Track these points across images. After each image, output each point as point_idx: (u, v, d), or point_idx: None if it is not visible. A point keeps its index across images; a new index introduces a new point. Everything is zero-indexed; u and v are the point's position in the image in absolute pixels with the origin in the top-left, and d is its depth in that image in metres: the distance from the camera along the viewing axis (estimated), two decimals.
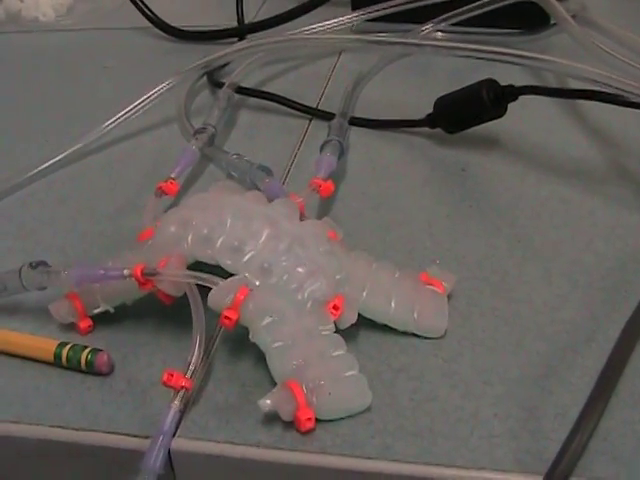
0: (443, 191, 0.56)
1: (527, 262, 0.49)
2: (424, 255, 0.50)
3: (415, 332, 0.44)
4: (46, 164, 0.59)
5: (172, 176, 0.54)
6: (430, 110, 0.61)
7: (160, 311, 0.46)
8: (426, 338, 0.44)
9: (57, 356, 0.44)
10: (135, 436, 0.40)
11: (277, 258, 0.43)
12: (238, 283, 0.42)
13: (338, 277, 0.44)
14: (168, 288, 0.43)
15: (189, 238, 0.44)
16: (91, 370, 0.43)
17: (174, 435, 0.39)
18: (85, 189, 0.59)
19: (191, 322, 0.43)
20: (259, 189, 0.54)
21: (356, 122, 0.63)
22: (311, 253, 0.44)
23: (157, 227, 0.47)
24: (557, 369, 0.42)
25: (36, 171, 0.59)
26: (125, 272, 0.43)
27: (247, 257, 0.43)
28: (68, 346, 0.44)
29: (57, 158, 0.60)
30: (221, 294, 0.42)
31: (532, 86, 0.55)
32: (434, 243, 0.51)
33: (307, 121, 0.65)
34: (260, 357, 0.42)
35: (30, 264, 0.45)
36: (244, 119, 0.67)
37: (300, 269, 0.43)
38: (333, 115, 0.62)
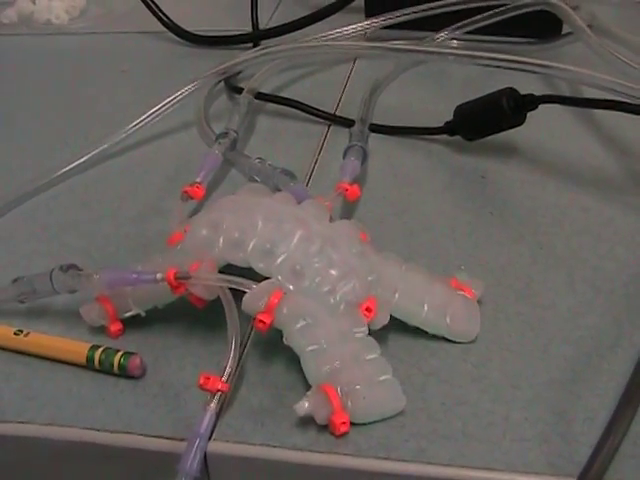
0: (464, 198, 0.56)
1: (550, 269, 0.49)
2: (448, 261, 0.51)
3: (446, 336, 0.45)
4: (68, 167, 0.60)
5: (197, 180, 0.54)
6: (446, 117, 0.61)
7: (190, 314, 0.46)
8: (455, 342, 0.45)
9: (89, 359, 0.44)
10: (170, 438, 0.40)
11: (309, 260, 0.43)
12: (272, 287, 0.42)
13: (370, 278, 0.44)
14: (201, 292, 0.44)
15: (220, 241, 0.44)
16: (123, 373, 0.44)
17: (209, 438, 0.40)
18: (107, 192, 0.60)
19: (220, 325, 0.43)
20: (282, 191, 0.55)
21: (375, 129, 0.63)
22: (343, 254, 0.44)
23: (187, 230, 0.47)
24: (584, 374, 0.42)
25: (59, 174, 0.59)
26: (158, 276, 0.43)
27: (279, 260, 0.43)
28: (100, 349, 0.44)
29: (79, 161, 0.60)
30: (255, 298, 0.42)
31: (552, 95, 0.56)
32: (458, 249, 0.52)
33: (326, 127, 0.66)
34: (291, 360, 0.43)
35: (61, 267, 0.46)
36: (263, 124, 0.67)
37: (332, 271, 0.43)
38: (352, 121, 0.62)
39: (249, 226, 0.45)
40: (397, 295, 0.45)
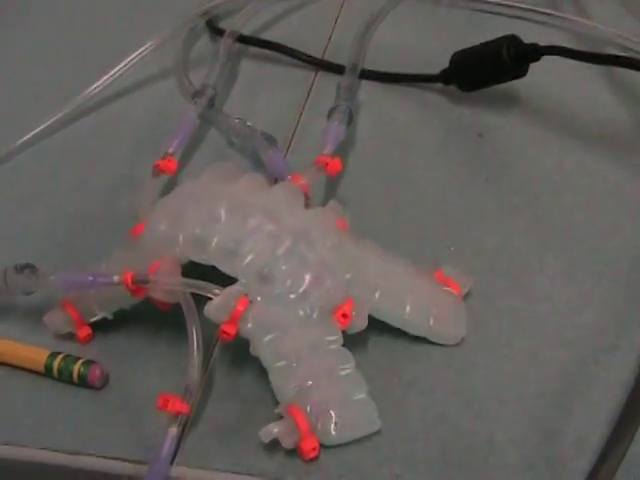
0: (458, 161, 0.52)
1: (548, 251, 0.45)
2: (437, 242, 0.47)
3: (429, 338, 0.42)
4: (32, 133, 0.55)
5: (169, 151, 0.50)
6: (444, 63, 0.56)
7: (158, 313, 0.43)
8: (439, 344, 0.41)
9: (48, 368, 0.41)
10: (130, 461, 0.38)
11: (278, 261, 0.39)
12: (237, 294, 0.39)
13: (348, 276, 0.40)
14: (161, 296, 0.40)
15: (180, 238, 0.41)
16: (84, 384, 0.41)
17: (172, 462, 0.37)
18: (75, 160, 0.56)
19: None
20: (261, 158, 0.51)
21: (366, 75, 0.58)
22: (318, 250, 0.40)
23: (146, 223, 0.43)
24: (577, 384, 0.39)
25: (21, 142, 0.55)
26: (115, 279, 0.40)
27: (245, 261, 0.39)
28: (60, 357, 0.41)
29: (44, 125, 0.56)
30: (219, 306, 0.38)
31: (557, 47, 0.50)
32: (448, 227, 0.48)
33: (313, 72, 0.61)
34: (262, 369, 0.40)
35: (15, 267, 0.42)
36: (246, 70, 0.62)
37: (304, 273, 0.39)
38: (341, 67, 0.57)
39: (211, 220, 0.40)
40: (377, 294, 0.41)
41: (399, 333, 0.42)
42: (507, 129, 0.54)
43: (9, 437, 0.40)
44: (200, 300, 0.39)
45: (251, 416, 0.39)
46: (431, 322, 0.41)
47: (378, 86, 0.59)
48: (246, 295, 0.39)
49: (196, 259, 0.41)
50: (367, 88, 0.58)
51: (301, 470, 0.37)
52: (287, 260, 0.39)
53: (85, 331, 0.43)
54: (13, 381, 0.42)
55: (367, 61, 0.59)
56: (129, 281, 0.39)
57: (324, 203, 0.48)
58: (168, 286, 0.40)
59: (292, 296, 0.39)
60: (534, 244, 0.46)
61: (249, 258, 0.39)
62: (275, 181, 0.51)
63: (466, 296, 0.43)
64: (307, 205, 0.44)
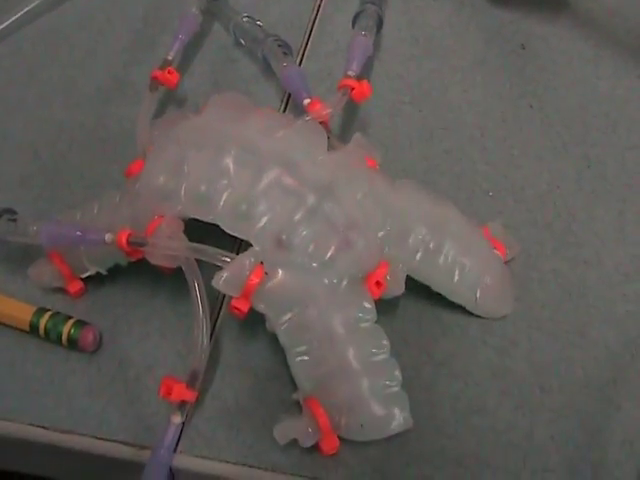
0: (499, 80, 0.45)
1: (598, 200, 0.40)
2: (474, 183, 0.41)
3: (471, 310, 0.37)
4: (9, 20, 0.47)
5: (169, 58, 0.43)
6: None
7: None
8: (477, 316, 0.37)
9: (33, 327, 0.36)
10: (130, 445, 0.34)
11: (299, 225, 0.33)
12: (250, 263, 0.33)
13: (381, 234, 0.35)
14: (160, 260, 0.34)
15: (182, 193, 0.34)
16: (74, 347, 0.36)
17: (175, 449, 0.34)
18: (60, 55, 0.48)
19: None
20: (273, 68, 0.44)
21: None
22: (346, 206, 0.34)
23: (142, 170, 0.37)
24: (627, 371, 0.35)
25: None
26: (107, 237, 0.34)
27: (260, 224, 0.34)
28: (47, 315, 0.36)
29: (24, 10, 0.48)
30: (229, 279, 0.33)
31: None
32: (487, 163, 0.42)
33: None
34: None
35: None
36: None
37: (331, 236, 0.33)
38: None
39: (217, 173, 0.34)
40: (419, 255, 0.35)
41: (429, 295, 0.37)
42: (553, 41, 0.47)
43: None
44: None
45: (264, 395, 0.35)
46: (478, 294, 0.36)
47: None
48: (261, 264, 0.33)
49: (201, 218, 0.35)
50: None
51: (319, 465, 0.33)
52: (309, 223, 0.33)
53: (76, 286, 0.38)
54: None
55: None
56: (124, 242, 0.34)
57: (343, 130, 0.43)
58: (169, 251, 0.34)
59: (315, 264, 0.33)
60: (583, 192, 0.41)
61: (264, 221, 0.34)
62: (289, 96, 0.45)
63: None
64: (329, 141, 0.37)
